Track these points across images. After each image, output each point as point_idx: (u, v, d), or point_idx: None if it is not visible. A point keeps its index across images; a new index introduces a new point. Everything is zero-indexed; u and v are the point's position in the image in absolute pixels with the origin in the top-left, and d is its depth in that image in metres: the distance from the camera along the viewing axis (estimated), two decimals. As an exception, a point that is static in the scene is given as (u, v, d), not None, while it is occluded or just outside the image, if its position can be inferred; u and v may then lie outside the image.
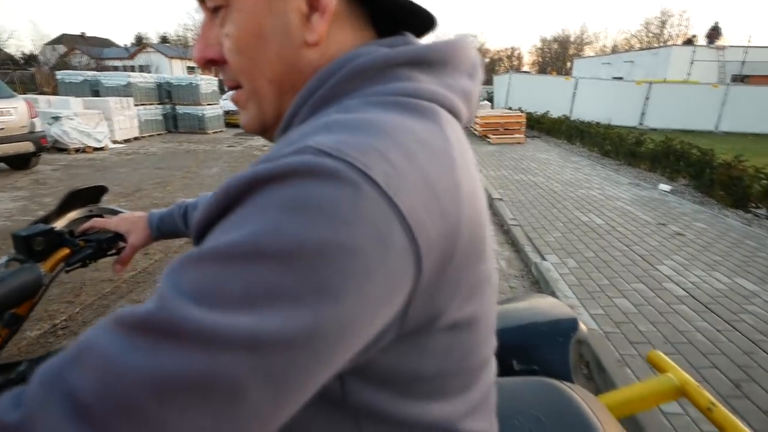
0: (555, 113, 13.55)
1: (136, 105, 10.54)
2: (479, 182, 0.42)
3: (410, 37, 0.44)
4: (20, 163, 6.78)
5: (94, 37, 40.58)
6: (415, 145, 0.34)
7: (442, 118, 0.38)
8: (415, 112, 0.36)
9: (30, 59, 30.09)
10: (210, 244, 0.29)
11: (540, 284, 3.18)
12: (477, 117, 11.42)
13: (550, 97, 15.92)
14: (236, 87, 0.44)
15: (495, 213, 4.91)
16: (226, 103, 13.54)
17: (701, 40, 22.45)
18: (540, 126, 12.99)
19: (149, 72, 19.39)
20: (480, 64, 0.46)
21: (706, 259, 3.47)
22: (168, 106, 11.92)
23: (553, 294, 2.88)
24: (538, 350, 0.94)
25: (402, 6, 0.41)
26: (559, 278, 3.09)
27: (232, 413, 0.25)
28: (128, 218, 0.86)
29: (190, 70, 31.77)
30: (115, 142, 9.58)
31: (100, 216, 0.91)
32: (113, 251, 0.85)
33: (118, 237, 0.84)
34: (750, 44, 21.35)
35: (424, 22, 0.45)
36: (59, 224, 0.87)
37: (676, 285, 3.00)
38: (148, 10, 75.17)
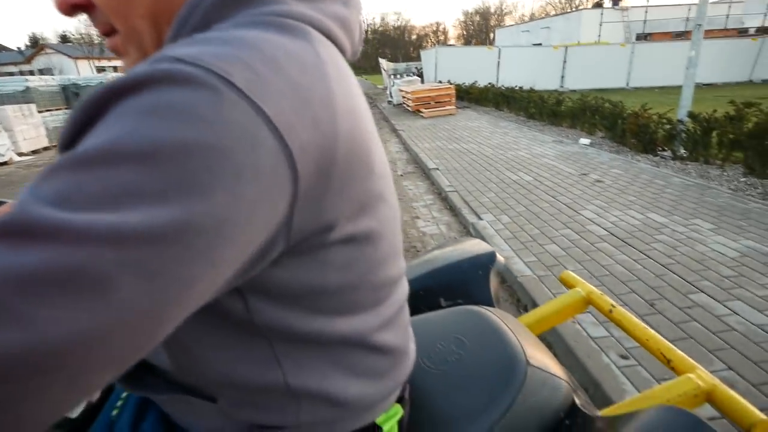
0: (482, 83, 13.99)
1: (40, 111, 9.50)
2: (363, 103, 0.42)
3: None
4: None
5: (-20, 41, 35.80)
6: (282, 57, 0.33)
7: (314, 38, 0.38)
8: (284, 29, 0.36)
9: None
10: (68, 153, 0.28)
11: (479, 242, 3.31)
12: (408, 93, 11.52)
13: (477, 67, 16.38)
14: (110, 32, 0.41)
15: (432, 182, 5.02)
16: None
17: (608, 3, 23.95)
18: (469, 96, 13.35)
19: (51, 75, 17.51)
20: None
21: (622, 201, 3.79)
22: (79, 110, 10.86)
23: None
24: (461, 285, 0.98)
25: None
26: (495, 234, 3.23)
27: (105, 305, 0.25)
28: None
29: (100, 69, 29.07)
30: (20, 154, 8.61)
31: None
32: None
33: None
34: (650, 4, 23.10)
35: None
36: None
37: (597, 226, 3.25)
38: (41, 8, 67.24)
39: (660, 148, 5.54)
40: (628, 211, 3.54)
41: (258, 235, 0.31)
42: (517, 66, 16.49)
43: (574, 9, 36.24)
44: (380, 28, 53.25)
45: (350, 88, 0.40)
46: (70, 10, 0.40)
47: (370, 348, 0.47)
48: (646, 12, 22.19)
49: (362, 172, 0.39)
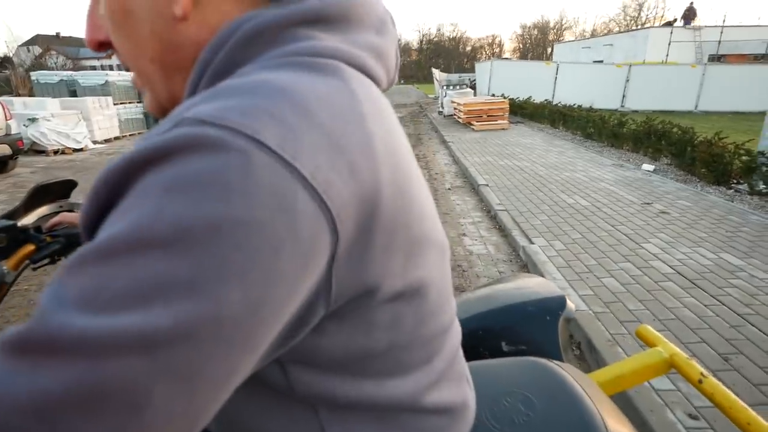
0: (537, 98, 13.55)
1: (115, 104, 10.25)
2: (404, 142, 0.39)
3: None
4: (-4, 167, 6.55)
5: (70, 37, 39.35)
6: (314, 103, 0.30)
7: (347, 73, 0.35)
8: (314, 69, 0.33)
9: (4, 61, 29.10)
10: (92, 242, 0.25)
11: (528, 268, 3.15)
12: (460, 104, 11.38)
13: (532, 82, 15.92)
14: (128, 69, 0.41)
15: (481, 199, 4.88)
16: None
17: (678, 21, 22.61)
18: (523, 111, 12.98)
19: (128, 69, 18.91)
20: (390, 19, 0.42)
21: (691, 236, 3.48)
22: (149, 104, 11.64)
23: (541, 276, 2.86)
24: (526, 330, 0.91)
25: None
26: (547, 260, 3.07)
27: (140, 418, 0.23)
28: None
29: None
30: (95, 142, 9.31)
31: (71, 211, 0.86)
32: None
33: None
34: (725, 24, 21.55)
35: None
36: (26, 220, 0.82)
37: (662, 263, 3.00)
38: (125, 8, 73.09)
39: (735, 181, 5.08)
40: (698, 248, 3.24)
41: (296, 306, 0.29)
42: (575, 83, 15.88)
43: (639, 26, 34.54)
44: (435, 39, 53.34)
45: (390, 125, 0.37)
46: (97, 46, 0.41)
47: (424, 408, 0.43)
48: (722, 32, 20.73)
49: (406, 221, 0.34)
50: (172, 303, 0.23)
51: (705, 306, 2.44)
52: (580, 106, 10.70)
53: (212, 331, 0.24)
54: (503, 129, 10.48)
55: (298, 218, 0.26)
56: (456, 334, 0.49)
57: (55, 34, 38.68)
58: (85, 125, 8.97)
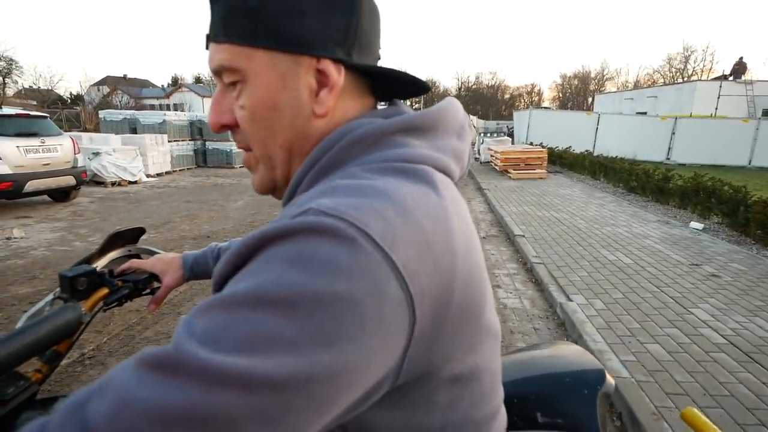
0: (577, 148, 13.45)
1: (169, 141, 11.07)
2: (476, 237, 0.45)
3: (402, 105, 0.50)
4: (61, 195, 7.16)
5: (135, 78, 43.33)
6: (410, 203, 0.37)
7: (436, 178, 0.41)
8: (410, 175, 0.40)
9: (77, 99, 32.29)
10: (221, 293, 0.32)
11: (566, 326, 3.05)
12: (497, 152, 11.45)
13: (572, 132, 15.85)
14: (247, 149, 0.48)
15: (517, 250, 4.82)
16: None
17: (729, 77, 22.13)
18: (562, 161, 12.89)
19: (182, 110, 20.42)
20: (468, 124, 0.51)
21: (745, 304, 3.28)
22: (199, 142, 12.47)
23: (580, 338, 2.76)
24: (562, 403, 0.89)
25: (397, 78, 0.47)
26: (587, 320, 2.96)
27: None
28: (163, 259, 0.89)
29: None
30: (148, 175, 10.01)
31: (138, 256, 0.95)
32: (148, 291, 0.87)
33: (153, 277, 0.87)
34: (779, 79, 20.89)
35: (418, 87, 0.50)
36: (100, 264, 0.90)
37: (713, 331, 2.83)
38: (185, 53, 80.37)
39: (795, 245, 4.78)
40: (754, 318, 3.04)
41: (372, 378, 0.33)
42: (617, 134, 15.68)
43: (686, 79, 34.10)
44: (473, 86, 54.69)
45: (467, 223, 0.43)
46: (220, 128, 0.48)
47: None
48: (776, 87, 20.10)
49: (475, 309, 0.40)
50: (274, 354, 0.28)
51: (763, 383, 2.27)
52: (622, 158, 10.52)
53: (299, 385, 0.29)
54: (541, 178, 10.42)
55: (386, 301, 0.32)
56: (502, 418, 0.51)
57: (122, 75, 42.71)
58: (141, 160, 9.71)
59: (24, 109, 7.95)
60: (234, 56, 0.43)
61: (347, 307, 0.30)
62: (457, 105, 0.50)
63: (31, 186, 6.37)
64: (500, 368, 0.50)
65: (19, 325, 0.69)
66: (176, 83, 42.93)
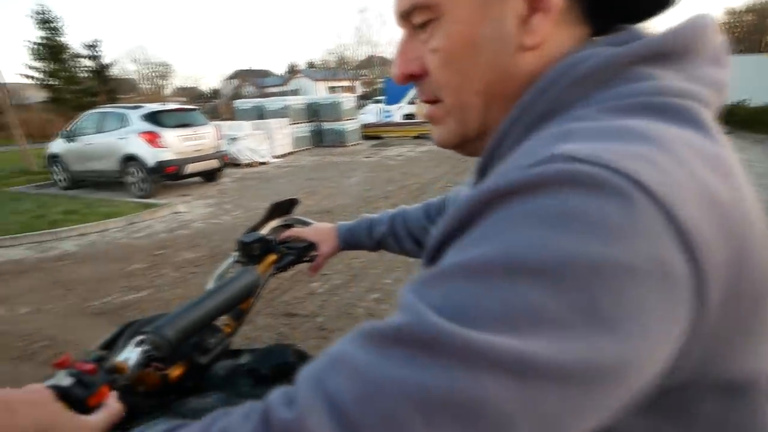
0: (756, 101, 10.94)
1: (290, 124, 12.13)
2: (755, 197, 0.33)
3: (634, 30, 0.38)
4: (209, 176, 8.41)
5: (258, 70, 47.91)
6: (682, 148, 0.28)
7: (703, 117, 0.32)
8: (669, 113, 0.31)
9: (215, 93, 37.17)
10: (455, 259, 0.28)
11: None
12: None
13: (747, 82, 12.70)
14: (434, 101, 0.42)
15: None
16: (365, 117, 14.70)
17: None
18: (734, 119, 10.52)
19: (299, 95, 22.07)
20: (726, 47, 0.38)
21: None
22: (315, 123, 13.42)
23: None
24: None
25: None
26: None
27: None
28: (320, 229, 0.93)
29: (332, 90, 35.07)
30: (274, 156, 11.15)
31: (292, 225, 0.99)
32: (307, 258, 0.93)
33: (311, 245, 0.92)
34: None
35: (649, 4, 0.38)
36: (263, 232, 0.98)
37: None
38: (298, 42, 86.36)
39: None
40: None
41: (645, 376, 0.26)
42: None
43: None
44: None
45: (747, 180, 0.32)
46: (405, 79, 0.42)
47: None
48: None
49: (762, 296, 0.30)
50: (544, 335, 0.23)
51: None
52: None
53: (581, 378, 0.23)
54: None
55: (671, 276, 0.25)
56: None
57: (248, 68, 47.59)
58: (269, 143, 10.85)
59: (179, 104, 9.42)
60: None
61: (628, 280, 0.24)
62: (711, 22, 0.36)
63: (189, 169, 7.60)
64: None
65: (210, 284, 0.80)
66: (292, 71, 46.38)
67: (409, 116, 15.87)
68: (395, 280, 3.55)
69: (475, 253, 0.27)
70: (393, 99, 17.50)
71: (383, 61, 36.57)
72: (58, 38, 22.13)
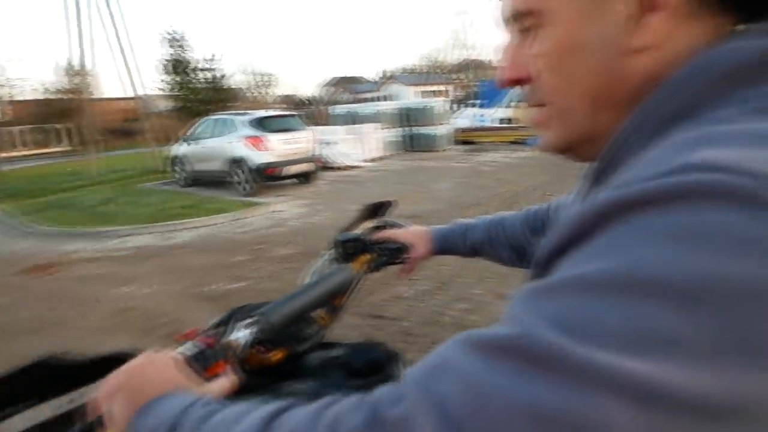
0: None
1: (382, 129, 12.51)
2: None
3: None
4: (304, 178, 9.02)
5: (352, 77, 50.29)
6: None
7: None
8: None
9: (311, 100, 39.95)
10: (571, 272, 0.27)
11: None
12: None
13: None
14: (539, 105, 0.42)
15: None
16: (459, 121, 14.61)
17: None
18: None
19: (391, 100, 22.66)
20: None
21: None
22: (406, 128, 13.66)
23: None
24: None
25: None
26: None
27: None
28: (414, 232, 0.94)
29: (424, 94, 35.42)
30: (366, 160, 11.57)
31: (385, 227, 1.00)
32: (399, 260, 0.94)
33: (404, 248, 0.93)
34: None
35: None
36: (356, 232, 1.00)
37: None
38: (391, 48, 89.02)
39: None
40: None
41: None
42: None
43: None
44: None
45: None
46: (510, 84, 0.43)
47: None
48: None
49: None
50: (674, 361, 0.22)
51: None
52: None
53: (716, 415, 0.22)
54: None
55: None
56: None
57: (343, 75, 50.23)
58: (361, 147, 11.31)
59: (281, 110, 10.25)
60: None
61: None
62: None
63: (287, 171, 8.26)
64: None
65: (306, 279, 0.83)
66: (385, 76, 47.87)
67: (505, 120, 15.40)
68: (486, 291, 3.45)
69: (595, 267, 0.26)
70: (488, 102, 17.14)
71: (479, 65, 36.01)
72: (183, 54, 25.66)
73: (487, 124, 15.57)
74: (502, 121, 15.39)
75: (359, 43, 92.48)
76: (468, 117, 16.70)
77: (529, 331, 0.25)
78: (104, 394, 0.47)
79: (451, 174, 9.05)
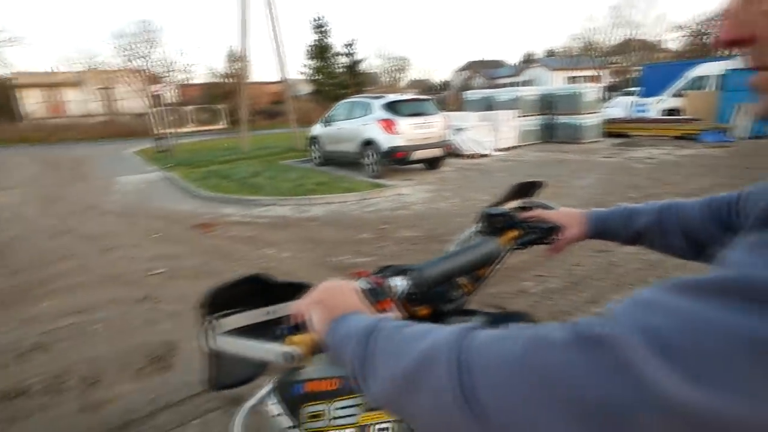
0: None
1: (519, 116, 11.98)
2: None
3: None
4: (432, 164, 9.18)
5: (490, 61, 48.69)
6: None
7: None
8: None
9: (445, 84, 39.91)
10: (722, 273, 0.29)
11: None
12: None
13: None
14: (763, 68, 0.40)
15: None
16: (610, 111, 13.25)
17: None
18: None
19: (532, 85, 21.45)
20: None
21: None
22: (547, 116, 12.85)
23: None
24: None
25: None
26: None
27: None
28: (568, 213, 0.93)
29: (571, 80, 32.69)
30: (497, 150, 11.26)
31: (531, 208, 1.01)
32: (547, 240, 0.94)
33: (555, 228, 0.93)
34: None
35: None
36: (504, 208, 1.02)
37: None
38: (537, 30, 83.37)
39: None
40: None
41: None
42: None
43: None
44: None
45: None
46: (728, 45, 0.41)
47: None
48: None
49: None
50: None
51: None
52: None
53: None
54: None
55: None
56: None
57: (480, 59, 48.96)
58: (493, 135, 11.01)
59: (415, 94, 10.49)
60: None
61: None
62: None
63: (415, 155, 8.50)
64: None
65: (452, 248, 0.88)
66: (527, 60, 45.35)
67: (671, 111, 13.47)
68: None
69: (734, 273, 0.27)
70: (651, 90, 15.15)
71: (643, 45, 31.79)
72: (325, 40, 27.85)
73: (647, 115, 13.81)
74: (667, 112, 13.50)
75: (501, 25, 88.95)
76: (621, 106, 15.02)
77: (747, 272, 0.27)
78: (306, 306, 0.58)
79: (595, 169, 8.31)
